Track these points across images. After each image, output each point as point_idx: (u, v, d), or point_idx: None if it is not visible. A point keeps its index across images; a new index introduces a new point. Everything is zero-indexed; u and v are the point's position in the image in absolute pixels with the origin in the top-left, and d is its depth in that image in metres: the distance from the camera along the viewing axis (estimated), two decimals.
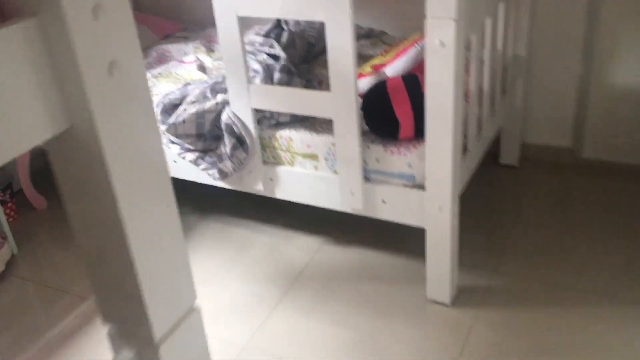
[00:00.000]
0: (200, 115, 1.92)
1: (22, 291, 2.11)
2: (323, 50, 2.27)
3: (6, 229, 2.24)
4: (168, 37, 2.79)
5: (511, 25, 2.18)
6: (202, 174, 2.07)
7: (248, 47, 2.12)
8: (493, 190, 2.40)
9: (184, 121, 1.92)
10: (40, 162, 2.70)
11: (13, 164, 2.53)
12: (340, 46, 1.64)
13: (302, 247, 2.19)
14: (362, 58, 2.30)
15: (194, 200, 2.46)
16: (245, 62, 1.81)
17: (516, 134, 2.46)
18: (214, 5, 1.77)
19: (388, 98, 1.71)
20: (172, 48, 2.58)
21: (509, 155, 2.51)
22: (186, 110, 1.94)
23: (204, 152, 2.02)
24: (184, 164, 2.08)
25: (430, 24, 1.49)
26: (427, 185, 1.71)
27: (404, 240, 2.13)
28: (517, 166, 2.51)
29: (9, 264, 2.23)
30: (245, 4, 1.72)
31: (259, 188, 2.02)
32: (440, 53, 1.50)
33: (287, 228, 2.29)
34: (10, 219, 2.47)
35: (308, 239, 2.22)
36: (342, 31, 1.61)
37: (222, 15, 1.77)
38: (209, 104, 1.93)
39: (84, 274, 2.16)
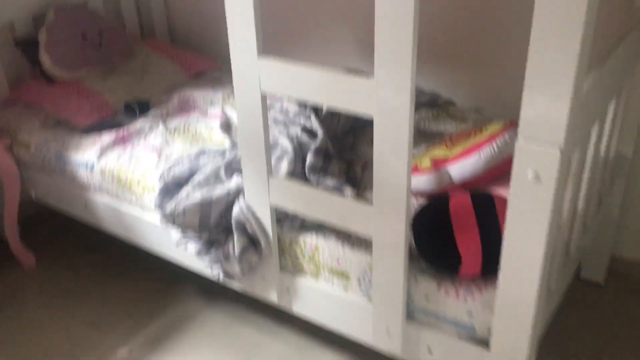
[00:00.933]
0: (205, 205, 1.51)
1: None
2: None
3: None
4: (198, 77, 2.40)
5: (618, 121, 1.69)
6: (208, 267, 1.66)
7: (279, 117, 1.71)
8: (568, 313, 1.90)
9: (184, 211, 1.51)
10: (31, 209, 2.33)
11: None
12: (391, 152, 1.20)
13: None
14: (419, 134, 1.85)
15: (201, 280, 2.04)
16: (268, 150, 1.39)
17: (606, 246, 1.96)
18: (232, 71, 1.36)
19: (449, 223, 1.27)
20: (198, 94, 2.18)
21: (594, 269, 2.00)
22: (189, 197, 1.53)
23: (210, 243, 1.61)
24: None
25: (521, 149, 1.03)
26: (492, 343, 1.25)
27: None
28: (602, 284, 2.00)
29: None
30: (275, 78, 1.30)
31: (272, 298, 1.60)
32: (532, 189, 1.05)
33: (306, 335, 1.85)
34: None
35: (329, 355, 1.78)
36: (397, 135, 1.18)
37: (241, 87, 1.36)
38: (219, 192, 1.52)
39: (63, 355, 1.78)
